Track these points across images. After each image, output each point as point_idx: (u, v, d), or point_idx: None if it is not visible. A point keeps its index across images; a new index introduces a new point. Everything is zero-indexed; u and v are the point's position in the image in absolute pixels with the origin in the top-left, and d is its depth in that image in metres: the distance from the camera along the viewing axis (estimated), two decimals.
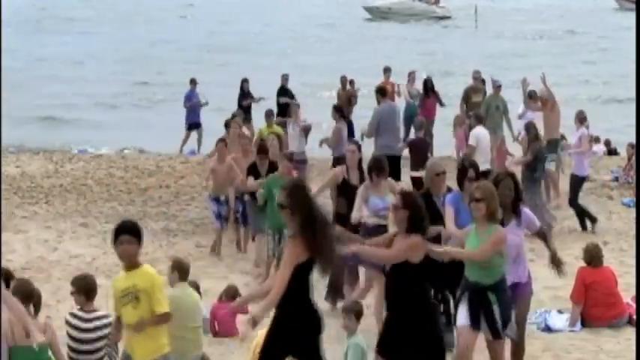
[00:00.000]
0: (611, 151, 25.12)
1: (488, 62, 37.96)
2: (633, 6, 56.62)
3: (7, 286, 9.37)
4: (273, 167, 14.92)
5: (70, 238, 16.42)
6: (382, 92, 18.97)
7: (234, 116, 19.74)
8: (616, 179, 20.90)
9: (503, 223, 9.36)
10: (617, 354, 11.32)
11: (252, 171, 15.20)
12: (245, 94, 24.90)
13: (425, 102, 23.51)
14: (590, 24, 61.21)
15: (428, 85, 23.74)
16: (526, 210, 9.87)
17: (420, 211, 8.78)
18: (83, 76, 42.76)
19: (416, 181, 17.22)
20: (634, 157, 20.25)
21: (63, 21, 62.95)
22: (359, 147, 13.31)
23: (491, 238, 9.06)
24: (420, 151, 18.17)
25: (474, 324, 9.22)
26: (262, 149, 15.59)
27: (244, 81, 25.20)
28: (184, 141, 25.55)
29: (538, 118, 19.14)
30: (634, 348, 10.92)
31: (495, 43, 54.19)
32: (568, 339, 11.75)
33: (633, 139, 20.96)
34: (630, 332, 11.97)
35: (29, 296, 9.23)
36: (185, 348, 9.78)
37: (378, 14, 64.86)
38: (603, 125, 28.47)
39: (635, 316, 12.31)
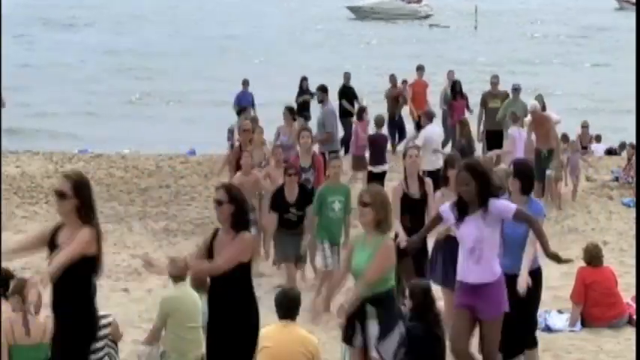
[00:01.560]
0: (611, 151, 25.12)
1: (487, 65, 37.94)
2: (633, 6, 56.65)
3: (7, 286, 9.39)
4: (304, 190, 13.68)
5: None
6: (325, 90, 19.53)
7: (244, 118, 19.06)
8: (616, 179, 20.90)
9: (466, 215, 8.79)
10: (617, 354, 11.33)
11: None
12: (304, 92, 24.45)
13: (452, 105, 23.13)
14: (590, 23, 61.25)
15: (456, 87, 23.40)
16: (496, 201, 8.74)
17: (244, 206, 8.19)
18: (78, 77, 42.86)
19: (374, 177, 17.34)
20: (634, 157, 20.25)
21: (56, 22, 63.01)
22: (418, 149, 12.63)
23: (379, 256, 8.45)
24: (379, 147, 18.35)
25: (346, 339, 8.59)
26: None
27: (303, 79, 24.71)
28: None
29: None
30: (634, 348, 10.93)
31: (495, 44, 54.22)
32: (568, 339, 11.75)
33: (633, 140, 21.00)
34: (630, 332, 11.97)
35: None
36: (185, 348, 9.78)
37: (361, 14, 65.11)
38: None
39: (635, 316, 12.31)
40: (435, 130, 18.50)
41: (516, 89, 21.00)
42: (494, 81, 22.29)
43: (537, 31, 59.50)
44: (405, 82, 24.98)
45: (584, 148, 24.40)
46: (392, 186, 12.67)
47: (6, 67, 30.84)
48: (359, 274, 8.55)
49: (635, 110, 23.28)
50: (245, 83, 25.27)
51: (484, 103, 21.89)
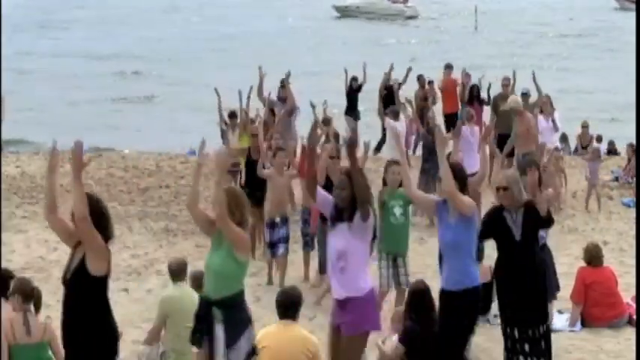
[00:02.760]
0: (612, 151, 25.10)
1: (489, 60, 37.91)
2: (633, 5, 56.61)
3: (7, 286, 9.39)
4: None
5: None
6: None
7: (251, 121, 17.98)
8: (616, 179, 20.90)
9: (339, 220, 8.47)
10: (617, 354, 11.34)
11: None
12: (353, 91, 23.64)
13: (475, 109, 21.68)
14: (590, 23, 61.23)
15: (473, 91, 22.38)
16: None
17: (103, 214, 8.13)
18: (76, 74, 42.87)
19: None
20: (634, 158, 20.25)
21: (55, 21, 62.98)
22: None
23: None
24: None
25: (193, 341, 8.17)
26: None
27: (353, 79, 23.92)
28: None
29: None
30: (634, 348, 10.94)
31: (496, 44, 54.18)
32: (568, 339, 11.75)
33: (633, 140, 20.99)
34: (630, 332, 11.98)
35: (29, 295, 9.25)
36: (185, 348, 9.75)
37: (347, 13, 65.20)
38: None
39: (635, 316, 12.32)
40: (397, 124, 18.86)
41: (525, 94, 20.31)
42: (505, 83, 21.48)
43: (537, 31, 59.47)
44: (431, 82, 24.07)
45: (584, 148, 24.39)
46: None
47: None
48: None
49: (635, 110, 23.26)
50: (282, 85, 24.90)
51: (495, 106, 21.07)
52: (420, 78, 24.24)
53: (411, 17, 64.74)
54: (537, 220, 9.41)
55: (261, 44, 50.98)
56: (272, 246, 13.98)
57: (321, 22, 62.96)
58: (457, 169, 9.07)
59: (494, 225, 9.46)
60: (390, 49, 51.00)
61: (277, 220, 13.96)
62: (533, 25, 61.98)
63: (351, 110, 23.62)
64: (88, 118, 34.12)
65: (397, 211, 11.82)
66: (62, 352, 9.32)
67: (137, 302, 13.10)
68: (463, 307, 8.93)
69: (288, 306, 8.67)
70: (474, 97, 22.29)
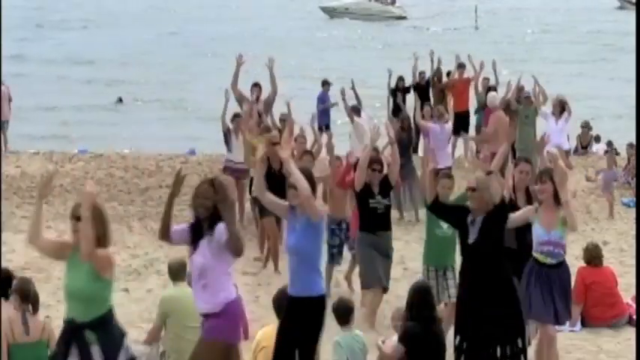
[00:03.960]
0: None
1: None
2: (634, 5, 56.62)
3: (9, 285, 9.39)
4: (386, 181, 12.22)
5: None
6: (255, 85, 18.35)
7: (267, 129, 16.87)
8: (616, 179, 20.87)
9: (200, 237, 8.35)
10: (617, 354, 11.34)
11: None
12: (401, 90, 23.08)
13: (487, 112, 21.23)
14: (591, 23, 61.21)
15: (490, 90, 21.64)
16: (220, 225, 8.18)
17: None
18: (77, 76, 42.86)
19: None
20: (634, 158, 20.23)
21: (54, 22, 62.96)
22: None
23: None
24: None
25: None
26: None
27: (400, 79, 23.55)
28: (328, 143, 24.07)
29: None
30: (634, 348, 10.93)
31: (496, 44, 54.17)
32: (568, 339, 11.75)
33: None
34: (630, 332, 11.97)
35: (26, 296, 9.24)
36: (185, 348, 9.74)
37: (334, 14, 65.20)
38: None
39: (635, 316, 12.32)
40: (362, 120, 18.90)
41: (527, 97, 20.13)
42: (521, 86, 21.19)
43: (538, 31, 59.48)
44: (449, 74, 23.69)
45: (584, 148, 24.40)
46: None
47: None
48: None
49: (635, 110, 23.25)
50: (325, 83, 24.42)
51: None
52: (437, 71, 23.77)
53: (399, 18, 64.76)
54: (500, 226, 9.27)
55: (249, 47, 51.05)
56: (336, 248, 13.44)
57: (310, 23, 62.90)
58: (307, 173, 8.76)
59: (455, 216, 9.56)
60: (389, 50, 51.09)
61: (344, 225, 13.52)
62: (533, 25, 61.97)
63: (399, 111, 22.27)
64: (87, 118, 34.15)
65: (444, 223, 11.12)
66: None
67: (137, 302, 13.10)
68: (306, 315, 8.55)
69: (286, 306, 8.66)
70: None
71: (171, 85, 41.01)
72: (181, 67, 45.31)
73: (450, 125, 19.03)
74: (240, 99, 17.88)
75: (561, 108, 19.19)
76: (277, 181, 10.89)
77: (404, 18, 64.90)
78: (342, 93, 19.65)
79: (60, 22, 63.03)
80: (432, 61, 23.52)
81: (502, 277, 9.30)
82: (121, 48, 50.79)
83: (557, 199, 9.86)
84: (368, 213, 12.07)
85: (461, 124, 21.96)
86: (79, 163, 22.83)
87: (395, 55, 44.52)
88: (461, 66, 23.47)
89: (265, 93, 18.10)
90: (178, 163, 22.89)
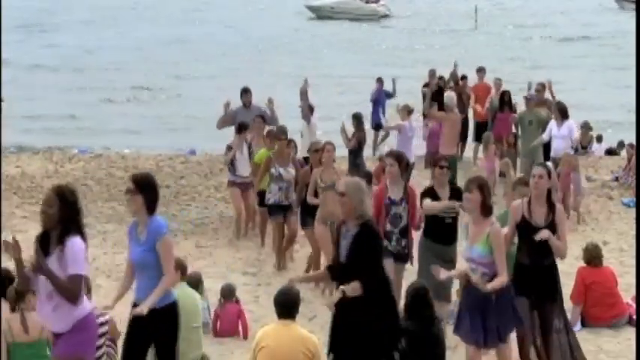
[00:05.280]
0: (612, 151, 25.10)
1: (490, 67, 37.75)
2: (633, 6, 56.58)
3: (11, 283, 9.39)
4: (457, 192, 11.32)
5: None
6: (245, 91, 17.88)
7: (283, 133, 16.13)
8: (616, 179, 20.89)
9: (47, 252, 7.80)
10: (617, 354, 11.34)
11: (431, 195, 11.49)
12: (439, 90, 22.13)
13: (498, 117, 21.06)
14: (590, 23, 61.20)
15: (505, 98, 21.22)
16: (73, 239, 7.75)
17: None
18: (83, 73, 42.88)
19: None
20: (634, 158, 20.24)
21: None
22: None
23: None
24: None
25: None
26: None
27: (440, 79, 23.17)
28: (374, 141, 23.89)
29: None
30: (634, 348, 10.94)
31: (496, 45, 54.17)
32: None
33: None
34: (630, 332, 11.98)
35: (23, 294, 9.24)
36: (185, 348, 9.75)
37: (320, 13, 65.24)
38: None
39: (635, 316, 12.32)
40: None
41: (530, 99, 19.81)
42: (538, 88, 20.66)
43: (537, 30, 59.47)
44: (464, 77, 23.14)
45: (584, 148, 24.38)
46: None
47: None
48: None
49: (635, 110, 23.25)
50: (379, 80, 24.32)
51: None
52: (453, 74, 23.48)
53: (384, 17, 64.88)
54: (365, 247, 8.61)
55: (236, 48, 51.07)
56: None
57: (294, 22, 62.87)
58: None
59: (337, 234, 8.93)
60: (388, 51, 51.09)
61: None
62: (533, 25, 61.98)
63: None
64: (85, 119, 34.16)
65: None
66: None
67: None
68: (161, 324, 8.36)
69: (287, 305, 8.66)
70: (505, 103, 21.23)
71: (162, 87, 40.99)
72: (172, 67, 45.23)
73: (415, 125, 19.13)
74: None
75: (562, 114, 18.48)
76: None
77: (388, 16, 65.02)
78: (303, 91, 19.00)
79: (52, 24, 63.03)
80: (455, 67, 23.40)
81: (373, 295, 8.71)
82: (117, 49, 50.79)
83: (485, 210, 9.21)
84: (434, 221, 11.34)
85: (482, 132, 21.39)
86: (79, 163, 22.82)
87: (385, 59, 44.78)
88: (480, 70, 23.07)
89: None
90: (178, 163, 22.90)
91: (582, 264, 12.64)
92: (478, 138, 21.68)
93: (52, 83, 41.17)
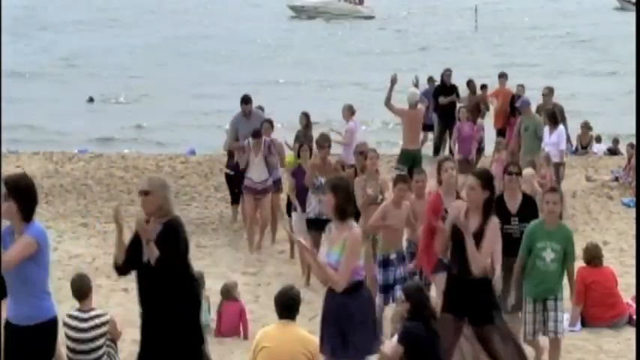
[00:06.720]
0: (612, 151, 25.09)
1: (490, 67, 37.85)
2: (634, 6, 56.60)
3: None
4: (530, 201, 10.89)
5: (70, 238, 16.39)
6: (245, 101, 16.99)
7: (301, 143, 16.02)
8: (616, 179, 20.88)
9: None
10: (617, 354, 11.34)
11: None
12: (446, 89, 21.84)
13: (510, 122, 20.90)
14: (590, 23, 61.22)
15: (515, 102, 20.57)
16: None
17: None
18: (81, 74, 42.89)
19: None
20: (634, 158, 20.23)
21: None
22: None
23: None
24: None
25: None
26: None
27: (448, 73, 22.63)
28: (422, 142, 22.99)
29: None
30: (634, 348, 10.93)
31: (496, 45, 54.20)
32: (568, 339, 11.72)
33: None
34: (630, 332, 11.98)
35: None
36: None
37: (303, 13, 65.21)
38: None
39: (635, 316, 12.32)
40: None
41: (524, 106, 18.90)
42: (546, 92, 20.45)
43: (537, 31, 59.49)
44: (484, 86, 22.77)
45: (584, 148, 24.39)
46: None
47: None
48: None
49: (635, 110, 23.24)
50: (430, 80, 23.55)
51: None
52: (470, 83, 22.81)
53: (368, 18, 64.88)
54: (176, 244, 8.44)
55: (221, 47, 51.06)
56: (386, 289, 11.45)
57: (277, 24, 62.82)
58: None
59: None
60: (387, 51, 51.10)
61: (393, 257, 11.50)
62: (533, 25, 62.00)
63: (450, 116, 21.61)
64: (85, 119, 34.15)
65: (548, 255, 10.10)
66: (61, 350, 9.35)
67: (137, 302, 13.06)
68: (35, 343, 7.77)
69: (288, 306, 8.66)
70: (515, 108, 20.43)
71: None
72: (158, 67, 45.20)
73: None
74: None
75: (553, 120, 18.09)
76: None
77: (372, 18, 65.02)
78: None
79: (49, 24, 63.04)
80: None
81: (177, 302, 8.56)
82: (110, 50, 50.81)
83: (340, 214, 8.45)
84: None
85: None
86: (79, 163, 22.83)
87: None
88: (502, 75, 22.61)
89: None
90: (178, 163, 22.91)
91: (582, 264, 12.64)
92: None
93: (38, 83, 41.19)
